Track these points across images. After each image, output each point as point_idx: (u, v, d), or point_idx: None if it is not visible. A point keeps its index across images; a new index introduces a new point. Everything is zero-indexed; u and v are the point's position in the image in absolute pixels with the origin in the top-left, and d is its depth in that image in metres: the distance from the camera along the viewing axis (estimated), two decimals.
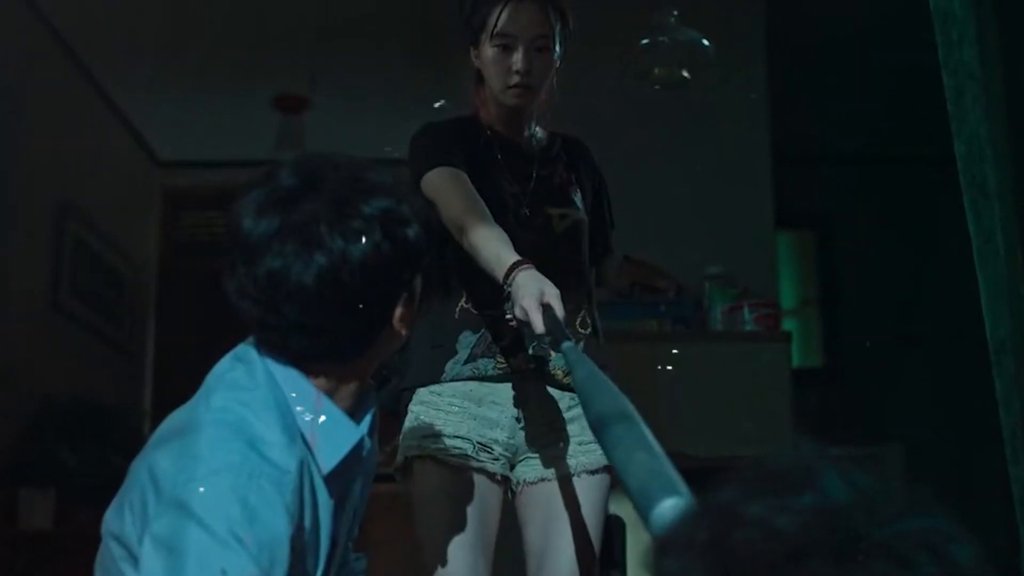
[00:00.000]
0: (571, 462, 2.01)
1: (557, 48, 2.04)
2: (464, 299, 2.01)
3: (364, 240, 1.35)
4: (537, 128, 2.13)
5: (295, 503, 1.31)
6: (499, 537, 1.98)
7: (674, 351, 3.92)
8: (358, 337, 1.42)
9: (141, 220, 5.71)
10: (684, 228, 4.26)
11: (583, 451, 2.00)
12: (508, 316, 1.83)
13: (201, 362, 1.49)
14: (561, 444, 2.01)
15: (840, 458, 0.67)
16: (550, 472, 2.00)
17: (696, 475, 1.10)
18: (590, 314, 2.09)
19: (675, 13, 3.62)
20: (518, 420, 1.99)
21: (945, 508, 0.65)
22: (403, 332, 1.46)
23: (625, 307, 4.04)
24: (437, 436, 1.95)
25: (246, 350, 1.43)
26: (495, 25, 2.00)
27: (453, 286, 2.02)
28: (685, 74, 3.66)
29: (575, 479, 2.00)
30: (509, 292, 1.78)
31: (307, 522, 1.34)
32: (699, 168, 4.31)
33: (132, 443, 3.26)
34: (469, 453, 1.94)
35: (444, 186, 1.95)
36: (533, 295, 1.73)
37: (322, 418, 1.40)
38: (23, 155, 4.21)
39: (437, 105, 2.61)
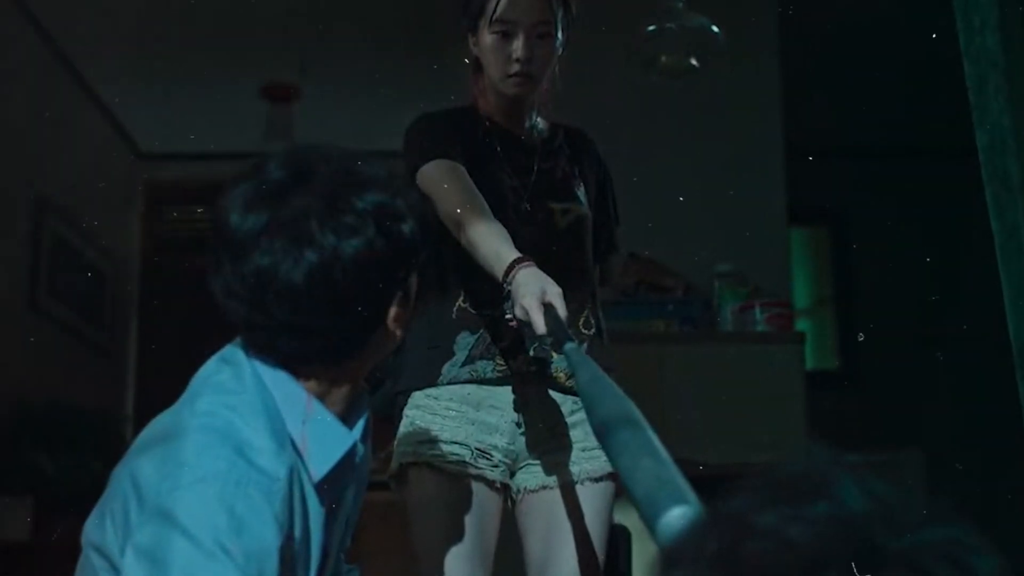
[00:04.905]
0: (574, 469, 2.01)
1: (559, 35, 2.04)
2: (462, 298, 2.01)
3: (357, 236, 1.35)
4: (538, 119, 2.13)
5: (284, 512, 1.31)
6: (498, 547, 1.98)
7: (682, 353, 3.93)
8: (351, 338, 1.42)
9: (123, 215, 5.71)
10: (692, 224, 4.26)
11: (586, 457, 2.00)
12: (508, 316, 1.83)
13: (186, 364, 1.49)
14: (563, 450, 2.01)
15: (856, 465, 0.67)
16: (552, 479, 2.01)
17: (705, 483, 1.11)
18: (594, 314, 2.09)
19: None
20: (518, 425, 1.99)
21: (967, 517, 0.65)
22: (398, 333, 1.46)
23: (630, 307, 4.05)
24: (433, 442, 1.95)
25: (233, 352, 1.43)
26: (494, 11, 1.99)
27: (450, 285, 2.02)
28: (693, 62, 3.66)
29: (578, 487, 2.01)
30: (509, 291, 1.78)
31: (297, 532, 1.35)
32: (708, 161, 4.31)
33: (113, 449, 3.26)
34: (467, 459, 1.94)
35: (441, 179, 1.95)
36: (534, 294, 1.73)
37: (313, 423, 1.40)
38: None
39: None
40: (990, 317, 2.04)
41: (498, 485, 1.98)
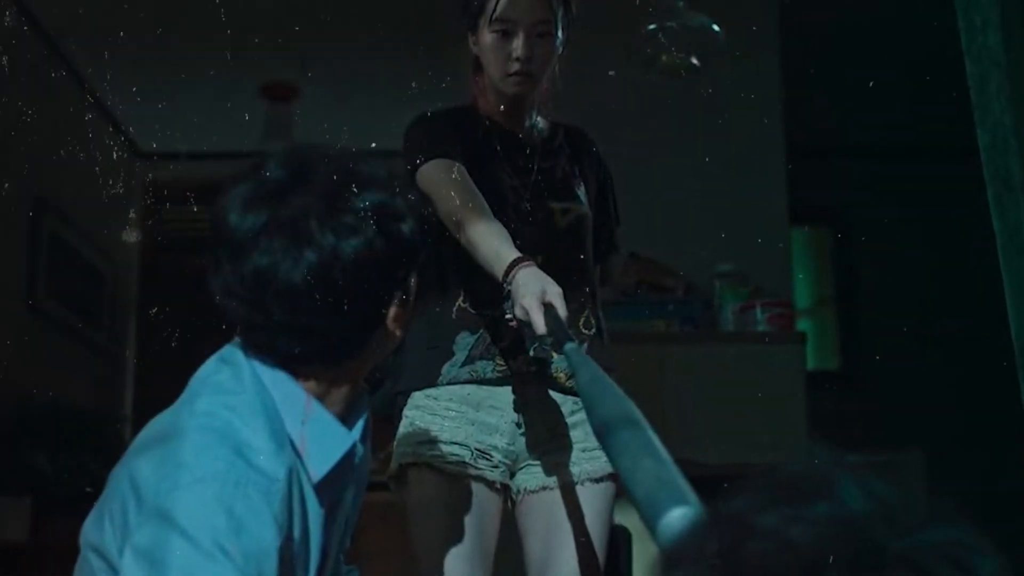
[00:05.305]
0: (574, 470, 2.01)
1: (559, 34, 2.04)
2: (462, 298, 2.01)
3: (356, 236, 1.35)
4: (538, 118, 2.13)
5: (283, 512, 1.31)
6: (498, 548, 1.98)
7: (682, 353, 3.92)
8: (350, 338, 1.42)
9: (122, 215, 5.70)
10: (693, 224, 4.26)
11: (587, 458, 2.00)
12: (508, 316, 1.83)
13: (185, 364, 1.49)
14: (563, 451, 2.01)
15: (857, 465, 0.67)
16: (552, 480, 2.00)
17: (706, 483, 1.11)
18: (594, 314, 2.09)
19: None
20: (518, 425, 1.99)
21: (968, 518, 0.65)
22: (398, 333, 1.46)
23: (631, 307, 4.04)
24: (433, 442, 1.95)
25: (232, 352, 1.43)
26: (494, 10, 1.99)
27: (450, 284, 2.02)
28: (694, 61, 3.66)
29: (578, 487, 2.01)
30: (509, 291, 1.78)
31: (296, 532, 1.34)
32: (709, 161, 4.30)
33: (112, 450, 3.27)
34: (467, 460, 1.94)
35: (440, 179, 1.95)
36: (534, 294, 1.73)
37: (312, 423, 1.40)
38: None
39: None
40: (991, 317, 2.04)
41: (498, 486, 1.98)
